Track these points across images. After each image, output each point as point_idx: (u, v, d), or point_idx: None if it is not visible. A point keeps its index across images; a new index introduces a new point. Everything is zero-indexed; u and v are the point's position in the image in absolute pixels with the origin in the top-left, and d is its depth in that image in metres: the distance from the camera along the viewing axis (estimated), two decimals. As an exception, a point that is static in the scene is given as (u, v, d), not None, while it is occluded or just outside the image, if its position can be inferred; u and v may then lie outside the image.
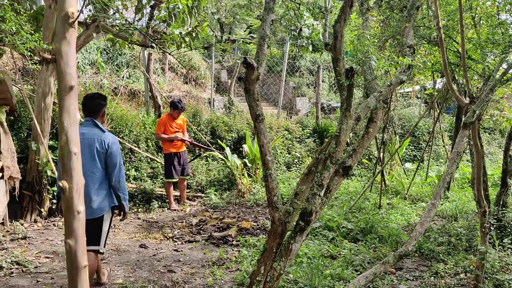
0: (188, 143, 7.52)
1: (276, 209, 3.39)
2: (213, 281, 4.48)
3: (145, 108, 9.98)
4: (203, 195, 8.23)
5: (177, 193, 7.76)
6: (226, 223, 6.40)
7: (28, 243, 5.61)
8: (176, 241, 5.87)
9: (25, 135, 7.21)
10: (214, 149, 8.39)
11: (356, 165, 10.30)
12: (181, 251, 5.48)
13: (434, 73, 8.30)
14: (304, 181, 3.72)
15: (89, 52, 14.29)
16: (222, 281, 4.50)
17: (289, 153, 9.73)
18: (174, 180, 7.37)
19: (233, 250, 5.45)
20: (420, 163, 9.12)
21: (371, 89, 3.81)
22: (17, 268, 4.79)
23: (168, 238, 5.99)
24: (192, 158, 8.20)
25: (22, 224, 6.28)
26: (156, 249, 5.55)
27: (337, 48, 3.38)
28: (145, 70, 9.57)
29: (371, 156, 10.43)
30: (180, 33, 6.38)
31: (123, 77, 14.56)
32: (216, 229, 6.27)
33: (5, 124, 5.70)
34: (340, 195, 7.97)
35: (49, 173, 6.61)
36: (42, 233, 6.11)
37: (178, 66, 17.72)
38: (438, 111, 8.22)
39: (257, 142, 3.52)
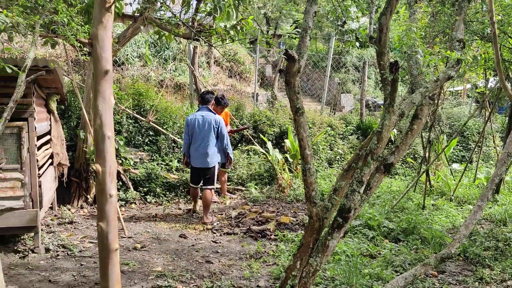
0: (231, 133, 7.72)
1: (314, 204, 3.35)
2: (250, 274, 4.49)
3: (189, 100, 10.12)
4: (243, 188, 8.27)
5: (218, 186, 7.85)
6: (265, 217, 6.41)
7: (74, 228, 5.83)
8: (215, 233, 5.93)
9: (74, 124, 7.49)
10: (250, 127, 8.63)
11: (399, 163, 10.07)
12: (220, 242, 5.53)
13: (487, 70, 7.94)
14: (343, 177, 3.66)
15: (138, 46, 14.63)
16: (259, 274, 4.51)
17: (331, 150, 9.61)
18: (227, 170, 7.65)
19: (271, 244, 5.45)
20: (469, 164, 8.78)
21: (417, 84, 3.68)
22: (63, 251, 4.99)
23: (207, 229, 6.06)
24: (237, 129, 8.54)
25: (69, 209, 6.53)
26: (195, 240, 5.63)
27: (382, 41, 3.29)
28: (190, 63, 9.69)
29: (416, 155, 10.13)
30: (225, 26, 6.41)
31: (169, 70, 14.85)
32: (255, 223, 6.29)
33: (55, 112, 5.94)
34: (382, 194, 7.80)
35: (95, 161, 6.82)
36: (88, 218, 6.33)
37: (223, 60, 17.87)
38: (490, 110, 7.86)
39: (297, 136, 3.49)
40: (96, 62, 2.13)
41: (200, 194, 6.63)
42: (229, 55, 17.85)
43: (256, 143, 8.80)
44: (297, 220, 6.40)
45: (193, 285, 4.23)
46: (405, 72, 3.96)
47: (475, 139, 10.79)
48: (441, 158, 8.73)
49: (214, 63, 17.44)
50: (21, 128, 4.72)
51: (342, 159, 9.60)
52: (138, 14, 6.46)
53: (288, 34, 22.25)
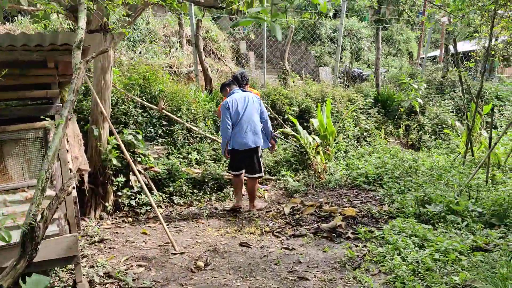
0: None
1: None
2: (365, 290, 3.61)
3: (195, 83, 8.97)
4: (273, 177, 7.32)
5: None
6: (327, 211, 5.50)
7: (109, 248, 4.71)
8: (278, 236, 4.97)
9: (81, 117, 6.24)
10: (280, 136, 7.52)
11: (428, 135, 9.38)
12: (293, 249, 4.58)
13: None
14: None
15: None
16: (375, 289, 3.62)
17: (355, 126, 8.77)
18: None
19: (357, 245, 4.55)
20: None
21: None
22: (112, 283, 3.90)
23: (266, 232, 5.09)
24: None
25: (89, 224, 5.38)
26: (262, 248, 4.65)
27: None
28: (195, 39, 8.53)
29: (443, 126, 9.46)
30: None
31: (140, 52, 13.54)
32: (317, 219, 5.38)
33: (70, 106, 4.72)
34: (430, 171, 7.02)
35: (114, 161, 5.67)
36: (116, 232, 5.22)
37: (204, 40, 16.64)
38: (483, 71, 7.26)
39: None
40: None
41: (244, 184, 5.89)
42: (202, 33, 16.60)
43: (286, 126, 7.82)
44: (362, 212, 5.54)
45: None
46: None
47: (496, 104, 10.26)
48: (477, 126, 8.08)
49: (186, 42, 16.19)
50: (47, 129, 3.55)
51: (369, 135, 8.80)
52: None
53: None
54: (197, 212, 5.93)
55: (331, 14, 21.00)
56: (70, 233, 3.71)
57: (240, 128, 5.56)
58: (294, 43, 20.10)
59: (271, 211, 5.83)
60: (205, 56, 16.65)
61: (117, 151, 5.74)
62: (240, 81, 6.20)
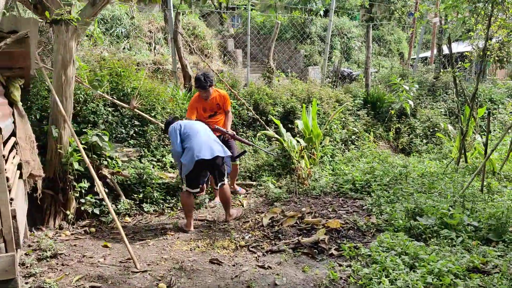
0: (229, 136, 6.02)
1: None
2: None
3: (173, 80, 8.44)
4: (254, 183, 6.83)
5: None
6: (309, 223, 5.01)
7: (62, 264, 4.17)
8: (254, 252, 4.47)
9: (38, 117, 5.69)
10: (257, 146, 6.85)
11: (419, 139, 8.93)
12: (269, 267, 4.08)
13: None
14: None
15: (86, 24, 12.62)
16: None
17: (343, 128, 8.29)
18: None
19: (341, 264, 4.07)
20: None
21: None
22: (58, 309, 3.37)
23: (241, 247, 4.59)
24: (236, 156, 6.54)
25: (46, 235, 4.84)
26: (235, 266, 4.15)
27: None
28: (173, 34, 8.01)
29: (435, 129, 9.02)
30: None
31: (123, 48, 12.99)
32: (298, 232, 4.89)
33: (20, 104, 4.19)
34: (420, 178, 6.56)
35: (75, 165, 5.12)
36: (74, 245, 4.68)
37: (183, 35, 16.06)
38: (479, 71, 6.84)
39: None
40: None
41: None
42: (188, 29, 16.05)
43: (268, 128, 7.32)
44: (347, 224, 5.05)
45: None
46: None
47: (489, 107, 9.85)
48: (474, 130, 7.66)
49: (171, 39, 15.66)
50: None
51: (357, 138, 8.33)
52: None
53: (244, 6, 20.66)
54: (167, 222, 5.42)
55: (321, 12, 20.58)
56: (6, 252, 3.19)
57: (197, 139, 4.98)
58: (283, 41, 19.66)
59: (248, 221, 5.33)
60: (191, 53, 16.15)
61: (80, 154, 5.20)
62: (202, 83, 5.67)
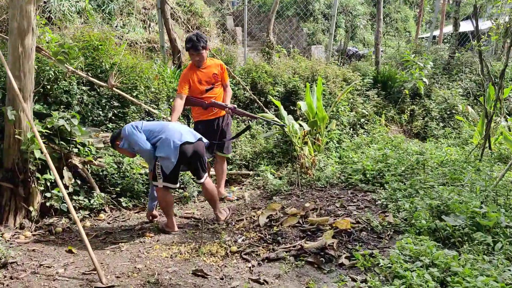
0: (229, 110, 5.14)
1: None
2: None
3: (161, 56, 7.59)
4: (250, 172, 6.04)
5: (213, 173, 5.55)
6: (314, 223, 4.22)
7: (10, 278, 3.39)
8: (247, 260, 3.69)
9: (-3, 97, 4.87)
10: (264, 118, 5.92)
11: (435, 123, 8.10)
12: (265, 282, 3.30)
13: None
14: None
15: (77, 0, 11.73)
16: None
17: (351, 110, 7.45)
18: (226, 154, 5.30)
19: (354, 279, 3.28)
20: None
21: None
22: None
23: (232, 253, 3.81)
24: (237, 134, 5.73)
25: (2, 236, 4.07)
26: (223, 280, 3.37)
27: None
28: (159, 3, 7.15)
29: (453, 111, 8.17)
30: None
31: (116, 26, 12.13)
32: (301, 233, 4.11)
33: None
34: (438, 166, 5.76)
35: (37, 154, 4.32)
36: (33, 250, 3.91)
37: (178, 12, 15.19)
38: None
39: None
40: None
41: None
42: (185, 6, 15.14)
43: (267, 110, 6.50)
44: (359, 223, 4.25)
45: None
46: None
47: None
48: (500, 113, 6.82)
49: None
50: None
51: (367, 122, 7.49)
52: None
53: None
54: (147, 220, 4.64)
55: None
56: None
57: (172, 126, 4.24)
58: (285, 19, 18.74)
59: (242, 219, 4.55)
60: (188, 31, 15.19)
61: (44, 139, 4.41)
62: (195, 43, 4.80)
